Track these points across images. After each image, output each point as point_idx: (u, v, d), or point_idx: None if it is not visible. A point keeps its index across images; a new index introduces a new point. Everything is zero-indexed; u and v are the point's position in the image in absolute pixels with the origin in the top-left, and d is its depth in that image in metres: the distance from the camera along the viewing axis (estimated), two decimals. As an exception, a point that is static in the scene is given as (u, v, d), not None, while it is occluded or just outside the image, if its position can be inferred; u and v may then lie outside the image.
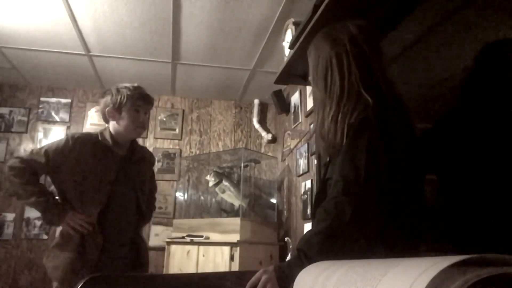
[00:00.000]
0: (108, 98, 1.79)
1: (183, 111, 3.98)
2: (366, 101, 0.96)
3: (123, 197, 1.78)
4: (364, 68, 1.04)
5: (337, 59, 1.05)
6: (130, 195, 1.81)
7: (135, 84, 1.84)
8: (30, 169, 1.66)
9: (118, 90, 1.79)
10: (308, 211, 2.66)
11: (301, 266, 0.74)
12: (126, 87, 1.80)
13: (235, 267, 2.62)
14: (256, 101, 3.97)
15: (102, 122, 3.36)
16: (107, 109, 1.78)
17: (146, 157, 1.96)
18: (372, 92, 0.99)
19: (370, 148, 0.91)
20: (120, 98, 1.76)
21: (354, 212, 0.88)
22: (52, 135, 3.64)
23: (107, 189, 1.71)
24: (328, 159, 1.11)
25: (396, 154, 0.95)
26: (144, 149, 2.01)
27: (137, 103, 1.78)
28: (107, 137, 1.78)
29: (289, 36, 2.08)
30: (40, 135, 3.65)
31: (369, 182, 0.90)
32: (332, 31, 1.11)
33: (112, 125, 1.80)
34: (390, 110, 0.99)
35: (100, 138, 1.77)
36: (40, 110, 3.71)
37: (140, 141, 3.81)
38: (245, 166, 3.32)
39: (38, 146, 3.56)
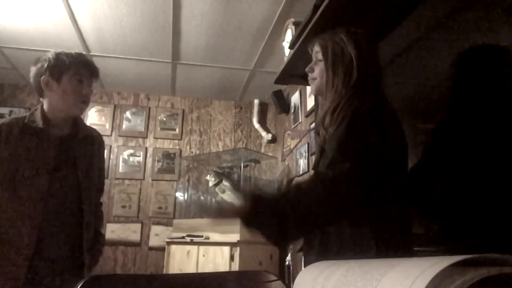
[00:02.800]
0: (43, 64, 1.47)
1: (183, 111, 3.98)
2: (364, 99, 1.02)
3: (63, 186, 1.48)
4: (371, 69, 1.10)
5: (356, 53, 1.09)
6: (72, 182, 1.50)
7: (77, 51, 1.58)
8: None
9: (57, 56, 1.48)
10: (308, 211, 2.65)
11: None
12: (66, 54, 1.50)
13: (235, 267, 2.62)
14: (256, 101, 3.97)
15: (103, 122, 3.31)
16: (42, 77, 1.46)
17: (94, 136, 1.65)
18: (370, 92, 1.05)
19: (360, 138, 0.95)
20: (60, 64, 1.46)
21: (327, 189, 0.90)
22: (52, 135, 3.63)
23: (45, 180, 1.42)
24: (319, 154, 1.14)
25: (385, 150, 0.98)
26: (91, 128, 1.70)
27: (81, 72, 1.49)
28: (38, 118, 1.48)
29: (289, 36, 2.08)
30: (40, 135, 3.65)
31: (354, 168, 0.91)
32: (353, 29, 1.16)
33: (48, 100, 1.50)
34: (382, 111, 1.04)
35: (27, 120, 1.47)
36: (40, 110, 3.71)
37: (140, 141, 3.84)
38: (245, 166, 3.32)
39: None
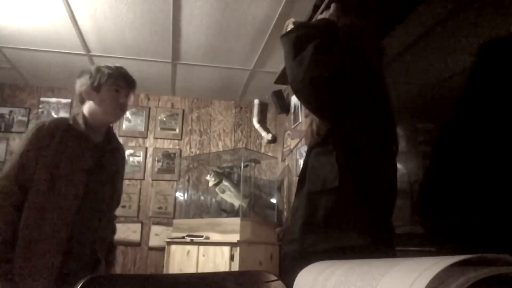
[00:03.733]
0: (86, 77, 1.62)
1: (183, 111, 3.98)
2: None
3: (97, 190, 1.56)
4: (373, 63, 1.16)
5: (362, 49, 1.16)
6: (104, 188, 1.60)
7: (117, 65, 1.70)
8: (7, 205, 1.39)
9: (98, 69, 1.63)
10: (308, 211, 2.66)
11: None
12: (107, 66, 1.65)
13: (235, 267, 2.62)
14: (256, 101, 3.97)
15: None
16: (84, 87, 1.61)
17: (121, 150, 1.79)
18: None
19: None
20: (100, 76, 1.60)
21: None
22: (52, 135, 3.64)
23: (82, 180, 1.50)
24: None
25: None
26: (119, 142, 1.82)
27: (118, 83, 1.62)
28: (80, 121, 1.59)
29: (289, 36, 2.08)
30: (40, 135, 3.65)
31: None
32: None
33: (88, 107, 1.62)
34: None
35: (71, 122, 1.57)
36: (40, 110, 3.71)
37: (140, 141, 3.84)
38: (245, 166, 3.32)
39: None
